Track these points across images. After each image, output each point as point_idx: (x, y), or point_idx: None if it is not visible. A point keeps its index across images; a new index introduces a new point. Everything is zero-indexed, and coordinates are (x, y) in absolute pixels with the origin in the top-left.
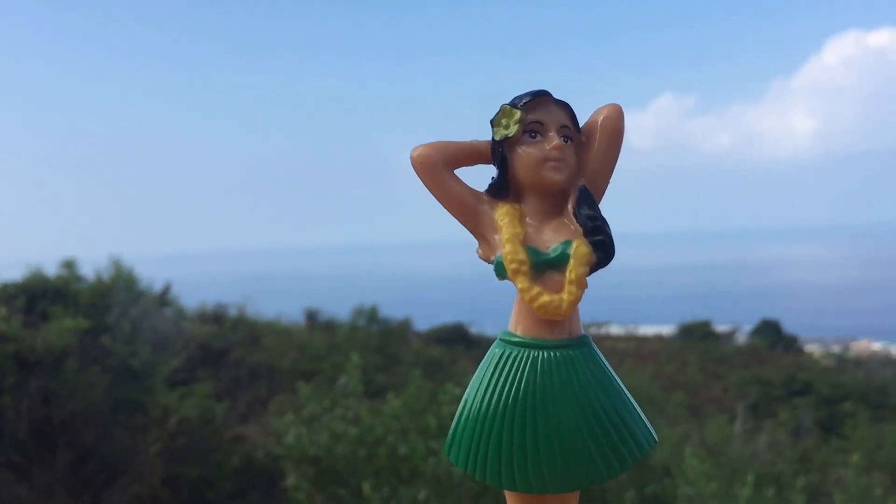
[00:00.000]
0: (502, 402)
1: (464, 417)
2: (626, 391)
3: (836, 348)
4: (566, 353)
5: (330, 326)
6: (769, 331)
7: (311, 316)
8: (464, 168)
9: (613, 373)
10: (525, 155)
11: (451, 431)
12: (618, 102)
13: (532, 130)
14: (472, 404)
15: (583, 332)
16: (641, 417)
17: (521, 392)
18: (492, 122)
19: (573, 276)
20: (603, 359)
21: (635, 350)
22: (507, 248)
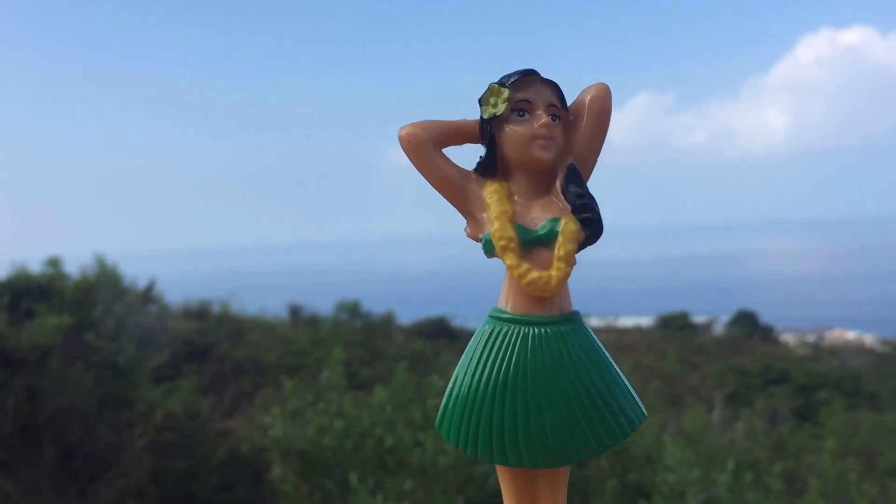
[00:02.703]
0: (493, 377)
1: (454, 394)
2: (617, 367)
3: (811, 338)
4: (557, 329)
5: (313, 321)
6: (746, 321)
7: (295, 311)
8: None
9: (604, 349)
10: (513, 133)
11: (441, 407)
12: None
13: (520, 109)
14: (462, 380)
15: (573, 308)
16: (631, 393)
17: (511, 368)
18: (480, 100)
19: (562, 252)
20: (593, 335)
21: (615, 342)
22: (495, 225)
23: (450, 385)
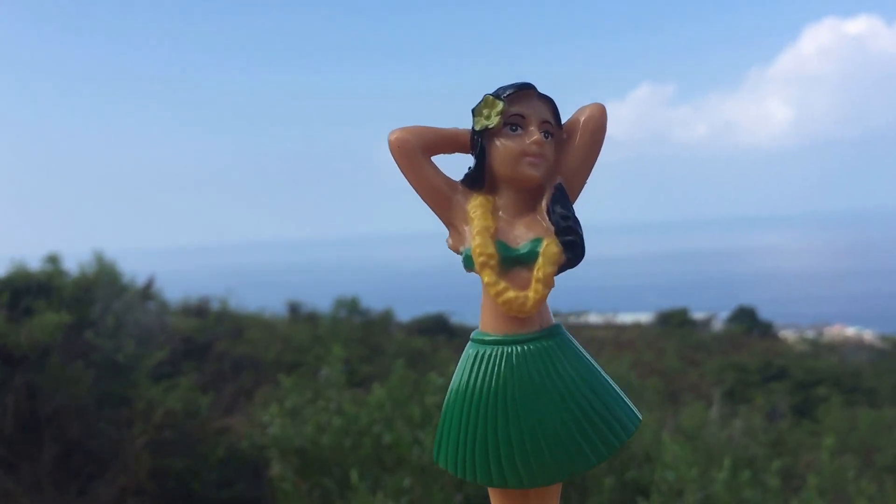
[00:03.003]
0: (483, 401)
1: (447, 421)
2: (605, 375)
3: (810, 334)
4: (539, 344)
5: (312, 318)
6: (745, 317)
7: (294, 308)
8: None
9: (590, 358)
10: (504, 147)
11: (436, 438)
12: (598, 96)
13: (513, 123)
14: (453, 407)
15: (554, 321)
16: (623, 399)
17: (499, 389)
18: (473, 111)
19: (540, 274)
20: (578, 345)
21: (614, 338)
22: (476, 240)
23: (442, 414)
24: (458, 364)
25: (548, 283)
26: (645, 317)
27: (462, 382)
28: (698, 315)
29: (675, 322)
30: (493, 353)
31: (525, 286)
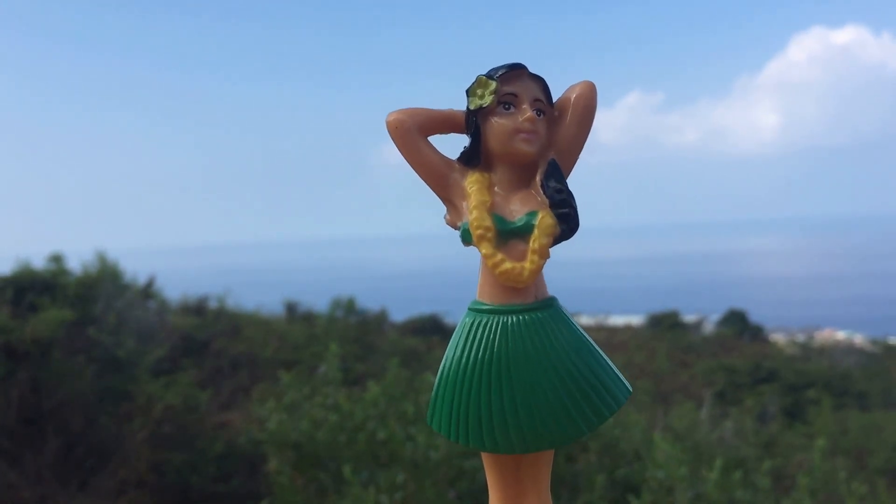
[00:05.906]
0: (477, 367)
1: (441, 386)
2: (597, 347)
3: (800, 337)
4: (534, 315)
5: (308, 318)
6: (735, 320)
7: (291, 307)
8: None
9: (582, 331)
10: (498, 125)
11: (431, 401)
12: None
13: (506, 102)
14: (448, 372)
15: (549, 294)
16: (614, 370)
17: (494, 356)
18: (467, 91)
19: (536, 245)
20: (571, 319)
21: (605, 340)
22: (473, 214)
23: (437, 380)
24: (455, 331)
25: (543, 254)
26: (636, 319)
27: (458, 349)
28: (689, 318)
29: (666, 324)
30: (489, 322)
31: (521, 258)
